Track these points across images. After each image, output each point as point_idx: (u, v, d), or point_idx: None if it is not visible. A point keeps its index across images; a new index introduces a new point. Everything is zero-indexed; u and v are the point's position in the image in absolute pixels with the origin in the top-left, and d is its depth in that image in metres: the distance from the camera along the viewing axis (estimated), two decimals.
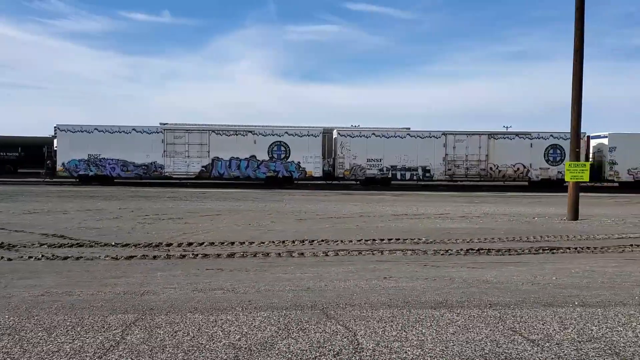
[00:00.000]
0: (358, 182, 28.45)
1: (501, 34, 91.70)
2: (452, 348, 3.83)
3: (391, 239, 9.88)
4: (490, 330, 4.28)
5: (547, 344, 3.96)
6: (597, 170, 29.28)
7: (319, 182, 28.70)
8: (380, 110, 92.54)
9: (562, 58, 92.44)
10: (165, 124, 30.22)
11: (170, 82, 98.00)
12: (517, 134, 28.35)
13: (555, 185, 28.11)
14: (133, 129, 27.29)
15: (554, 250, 8.99)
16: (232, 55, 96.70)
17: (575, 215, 13.04)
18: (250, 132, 27.55)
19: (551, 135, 28.29)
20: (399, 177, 28.12)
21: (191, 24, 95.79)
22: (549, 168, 28.24)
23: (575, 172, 12.85)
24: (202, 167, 27.31)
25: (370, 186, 27.72)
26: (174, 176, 27.40)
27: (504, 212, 15.22)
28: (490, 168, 28.23)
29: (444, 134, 28.25)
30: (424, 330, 4.25)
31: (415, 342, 3.97)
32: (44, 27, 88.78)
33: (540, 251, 8.90)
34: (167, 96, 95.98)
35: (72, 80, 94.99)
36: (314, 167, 27.62)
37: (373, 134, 28.19)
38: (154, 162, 27.18)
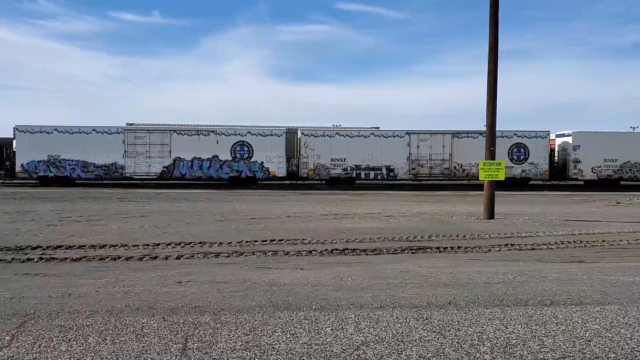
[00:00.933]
0: (323, 182, 28.31)
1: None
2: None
3: (275, 240, 9.70)
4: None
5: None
6: (562, 169, 29.43)
7: (284, 182, 28.54)
8: (373, 110, 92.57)
9: (551, 58, 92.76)
10: (132, 124, 29.91)
11: (163, 83, 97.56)
12: (480, 133, 28.28)
13: (519, 183, 28.15)
14: (93, 130, 26.96)
15: (426, 250, 8.86)
16: (224, 56, 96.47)
17: (490, 214, 12.96)
18: (213, 132, 27.31)
19: (515, 134, 28.33)
20: (363, 176, 28.02)
21: (182, 24, 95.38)
22: (512, 167, 28.24)
23: (490, 171, 12.76)
24: (164, 167, 27.04)
25: (336, 186, 27.61)
26: (135, 177, 27.08)
27: (435, 211, 15.07)
28: (454, 167, 28.21)
29: (408, 133, 28.20)
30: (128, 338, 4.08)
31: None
32: (34, 28, 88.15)
33: (407, 251, 8.77)
34: (161, 96, 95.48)
35: (64, 81, 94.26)
36: (278, 167, 27.45)
37: (337, 133, 28.07)
38: (115, 163, 26.86)
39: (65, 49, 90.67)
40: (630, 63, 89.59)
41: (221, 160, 27.21)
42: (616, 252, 8.96)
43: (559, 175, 29.52)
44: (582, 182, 29.11)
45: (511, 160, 28.24)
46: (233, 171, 27.30)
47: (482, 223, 12.52)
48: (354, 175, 27.91)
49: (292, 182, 28.48)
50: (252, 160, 27.33)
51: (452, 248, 9.15)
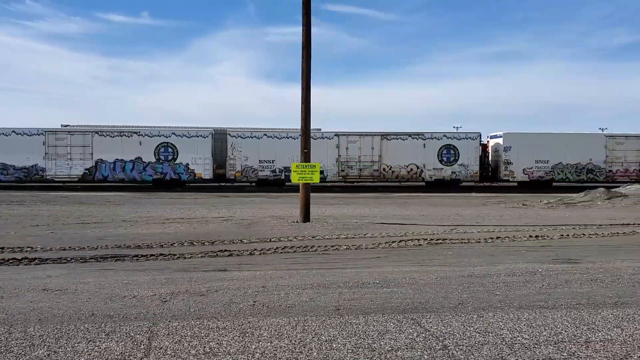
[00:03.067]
0: (253, 184, 27.88)
1: (483, 35, 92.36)
2: None
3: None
4: None
5: None
6: (495, 171, 29.27)
7: (213, 184, 28.05)
8: (363, 111, 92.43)
9: (543, 59, 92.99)
10: (67, 125, 29.32)
11: (152, 84, 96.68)
12: (410, 135, 28.08)
13: (450, 185, 27.94)
14: (13, 131, 26.31)
15: (181, 256, 8.34)
16: (213, 57, 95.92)
17: (306, 216, 12.50)
18: (136, 133, 26.78)
19: (444, 136, 28.12)
20: None
21: (171, 25, 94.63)
22: (442, 168, 28.03)
23: (303, 174, 12.35)
24: (85, 169, 26.46)
25: (265, 188, 27.18)
26: (56, 179, 26.46)
27: (271, 214, 14.42)
28: (384, 169, 27.92)
29: (337, 134, 27.88)
30: None
31: None
32: (22, 29, 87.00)
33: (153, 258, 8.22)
34: (150, 98, 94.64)
35: (52, 82, 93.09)
36: (204, 168, 26.98)
37: (265, 134, 27.67)
38: (35, 165, 26.24)
39: (54, 50, 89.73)
40: (621, 64, 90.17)
41: (144, 162, 26.69)
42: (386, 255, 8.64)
43: (493, 176, 29.37)
44: (515, 184, 28.93)
45: (441, 162, 28.02)
46: (157, 173, 26.78)
47: (297, 226, 11.97)
48: (283, 177, 27.51)
49: (221, 184, 27.99)
50: (177, 162, 26.84)
51: (253, 251, 8.76)
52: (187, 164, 26.87)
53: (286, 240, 10.03)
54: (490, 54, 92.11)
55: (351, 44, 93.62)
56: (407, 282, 5.94)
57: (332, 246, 9.28)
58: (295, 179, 12.55)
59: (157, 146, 26.74)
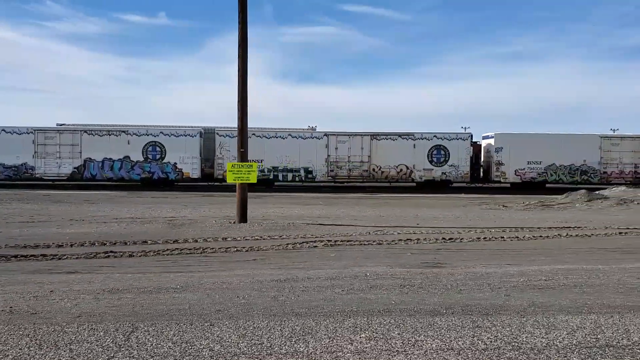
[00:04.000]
0: None
1: (496, 35, 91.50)
2: None
3: None
4: None
5: None
6: (487, 172, 28.89)
7: (202, 183, 27.99)
8: (377, 111, 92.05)
9: (556, 59, 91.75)
10: (63, 124, 29.46)
11: (169, 84, 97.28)
12: (400, 135, 27.80)
13: (440, 185, 27.61)
14: (3, 130, 26.48)
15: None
16: (228, 57, 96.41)
17: (243, 217, 12.24)
18: (124, 132, 26.81)
19: (435, 136, 27.78)
20: (281, 178, 27.50)
21: (187, 25, 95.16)
22: (432, 169, 27.70)
23: (240, 174, 12.12)
24: (74, 168, 26.55)
25: (254, 187, 26.97)
26: (45, 178, 26.58)
27: (215, 215, 14.32)
28: (373, 169, 27.66)
29: (326, 134, 27.69)
30: None
31: None
32: (41, 30, 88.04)
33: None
34: (166, 98, 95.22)
35: (71, 82, 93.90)
36: (192, 168, 26.93)
37: (253, 134, 27.42)
38: (25, 164, 26.37)
39: (72, 51, 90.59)
40: (636, 64, 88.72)
41: (132, 161, 26.70)
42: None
43: (485, 177, 28.99)
44: (508, 185, 28.46)
45: (431, 162, 27.69)
46: (145, 172, 26.79)
47: (222, 228, 11.73)
48: (271, 177, 27.39)
49: (209, 183, 27.93)
50: (165, 161, 26.82)
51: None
52: (175, 163, 26.84)
53: (201, 241, 9.81)
54: (502, 54, 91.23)
55: (364, 44, 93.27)
56: (212, 286, 5.72)
57: (229, 248, 9.10)
58: (230, 179, 12.33)
59: (145, 145, 26.74)
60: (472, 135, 28.23)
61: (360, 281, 6.04)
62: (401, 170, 27.72)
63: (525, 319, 4.45)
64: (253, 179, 12.38)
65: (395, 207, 17.82)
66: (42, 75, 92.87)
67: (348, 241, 9.88)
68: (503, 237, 10.69)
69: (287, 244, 9.52)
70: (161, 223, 12.45)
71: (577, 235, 10.93)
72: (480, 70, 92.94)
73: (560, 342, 3.87)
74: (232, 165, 12.36)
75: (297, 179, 27.55)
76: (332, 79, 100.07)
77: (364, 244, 9.64)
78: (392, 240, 10.02)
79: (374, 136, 27.71)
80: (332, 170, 27.61)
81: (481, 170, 29.16)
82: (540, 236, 10.86)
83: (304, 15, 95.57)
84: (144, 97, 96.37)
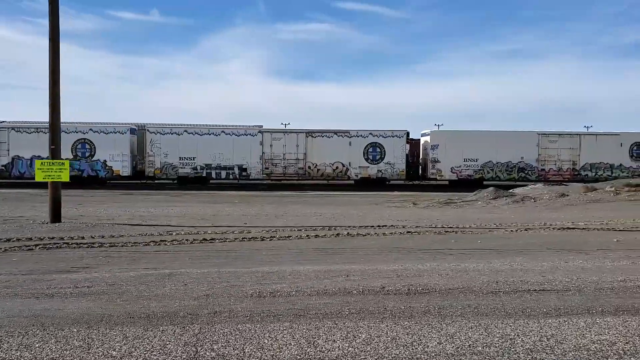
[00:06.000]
0: (175, 182, 27.39)
1: (494, 33, 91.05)
2: None
3: None
4: None
5: None
6: (424, 169, 28.73)
7: (133, 181, 27.56)
8: (375, 109, 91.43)
9: (556, 57, 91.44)
10: (19, 122, 28.94)
11: (164, 82, 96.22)
12: (335, 132, 27.55)
13: (376, 183, 27.40)
14: None
15: None
16: (223, 55, 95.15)
17: (55, 217, 11.80)
18: None
19: (370, 134, 27.55)
20: (214, 176, 27.16)
21: (181, 23, 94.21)
22: (368, 167, 27.49)
23: (50, 172, 11.74)
24: (2, 166, 26.07)
25: (189, 185, 26.69)
26: None
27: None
28: (309, 167, 27.39)
29: (260, 131, 27.39)
30: None
31: None
32: (34, 27, 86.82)
33: None
34: (162, 96, 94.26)
35: (64, 79, 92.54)
36: (122, 165, 26.53)
37: (185, 130, 27.18)
38: None
39: (64, 48, 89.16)
40: (634, 62, 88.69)
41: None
42: None
43: (423, 175, 28.81)
44: (446, 182, 28.29)
45: (367, 160, 27.48)
46: (74, 170, 26.19)
47: (46, 226, 11.39)
48: (204, 174, 27.05)
49: (143, 182, 27.52)
50: (95, 158, 26.41)
51: None
52: (105, 161, 26.43)
53: None
54: (501, 52, 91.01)
55: (362, 42, 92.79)
56: None
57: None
58: (39, 177, 11.84)
59: (75, 142, 26.30)
60: (408, 133, 28.02)
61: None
62: (337, 167, 27.47)
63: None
64: (65, 177, 12.01)
65: (290, 205, 17.50)
66: (36, 72, 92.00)
67: (123, 244, 9.28)
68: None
69: (61, 244, 9.04)
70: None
71: (407, 233, 10.71)
72: (478, 69, 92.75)
73: None
74: (42, 163, 11.97)
75: (230, 176, 27.22)
76: (329, 77, 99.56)
77: (136, 245, 9.17)
78: (166, 241, 9.54)
79: (310, 133, 27.44)
80: (267, 168, 27.32)
81: (420, 168, 29.00)
82: (369, 234, 10.59)
83: (300, 12, 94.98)
84: (139, 94, 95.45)
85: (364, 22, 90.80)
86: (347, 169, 27.46)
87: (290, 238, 10.12)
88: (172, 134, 26.85)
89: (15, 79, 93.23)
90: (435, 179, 27.96)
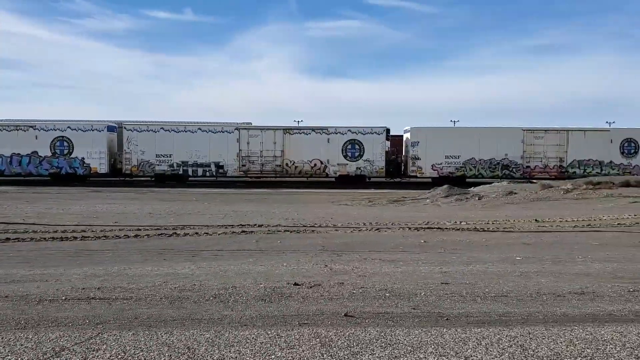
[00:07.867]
0: (153, 179, 27.38)
1: (526, 28, 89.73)
2: None
3: None
4: None
5: None
6: (405, 166, 28.15)
7: (111, 179, 27.61)
8: (406, 105, 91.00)
9: (589, 51, 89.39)
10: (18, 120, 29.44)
11: (196, 80, 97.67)
12: (313, 129, 27.18)
13: (356, 181, 26.96)
14: None
15: None
16: (255, 53, 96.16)
17: None
18: (32, 127, 26.58)
19: (349, 131, 27.11)
20: (191, 173, 27.07)
21: (213, 21, 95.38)
22: (347, 164, 27.07)
23: None
24: None
25: (166, 183, 26.68)
26: None
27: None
28: (287, 164, 27.10)
29: (237, 128, 27.19)
30: None
31: None
32: (70, 27, 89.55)
33: None
34: (194, 94, 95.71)
35: (100, 78, 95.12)
36: (99, 163, 26.64)
37: (162, 128, 27.14)
38: None
39: (101, 47, 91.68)
40: None
41: (41, 156, 26.50)
42: None
43: (405, 172, 28.23)
44: (429, 180, 27.64)
45: (345, 157, 27.06)
46: (53, 167, 26.56)
47: None
48: (181, 172, 26.99)
49: (122, 179, 27.56)
50: (73, 156, 26.57)
51: None
52: (83, 158, 26.56)
53: None
54: (533, 47, 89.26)
55: (391, 38, 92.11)
56: None
57: None
58: None
59: (53, 140, 26.50)
60: (388, 130, 27.47)
61: None
62: (315, 165, 27.11)
63: None
64: None
65: (237, 204, 17.23)
66: (72, 71, 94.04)
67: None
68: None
69: None
70: None
71: (294, 232, 10.36)
72: (509, 64, 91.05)
73: None
74: None
75: (207, 174, 27.10)
76: (360, 73, 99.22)
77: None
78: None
79: (287, 130, 27.14)
80: (244, 165, 27.12)
81: (401, 165, 28.44)
82: (244, 232, 10.26)
83: (330, 9, 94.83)
84: (170, 93, 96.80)
85: (394, 17, 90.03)
86: (326, 167, 27.09)
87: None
88: (148, 131, 26.84)
89: (53, 78, 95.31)
90: (416, 177, 27.38)
